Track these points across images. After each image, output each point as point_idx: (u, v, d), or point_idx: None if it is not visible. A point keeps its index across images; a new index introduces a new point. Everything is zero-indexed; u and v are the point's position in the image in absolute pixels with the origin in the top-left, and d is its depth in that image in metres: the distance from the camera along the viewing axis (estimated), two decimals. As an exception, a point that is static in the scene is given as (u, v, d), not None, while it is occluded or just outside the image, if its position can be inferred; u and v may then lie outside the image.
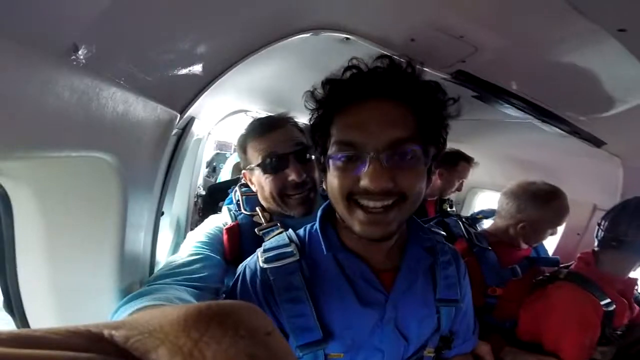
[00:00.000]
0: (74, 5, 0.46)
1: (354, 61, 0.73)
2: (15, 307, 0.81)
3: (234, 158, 3.53)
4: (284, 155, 1.08)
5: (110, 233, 0.77)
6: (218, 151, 4.84)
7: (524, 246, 1.59)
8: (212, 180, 3.65)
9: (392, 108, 0.70)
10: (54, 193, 0.69)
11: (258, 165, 1.11)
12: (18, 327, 0.83)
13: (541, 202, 1.50)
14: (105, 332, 0.17)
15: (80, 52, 0.47)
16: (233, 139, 5.19)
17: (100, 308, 0.84)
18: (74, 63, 0.48)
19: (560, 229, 2.07)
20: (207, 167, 4.17)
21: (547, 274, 1.53)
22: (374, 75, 0.72)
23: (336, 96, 0.74)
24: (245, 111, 2.39)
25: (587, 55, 0.98)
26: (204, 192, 2.44)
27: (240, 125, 1.23)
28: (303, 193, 1.11)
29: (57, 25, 0.44)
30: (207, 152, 4.09)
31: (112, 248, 0.79)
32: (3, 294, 0.81)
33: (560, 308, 1.37)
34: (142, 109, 0.70)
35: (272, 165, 1.08)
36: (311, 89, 0.78)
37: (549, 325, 1.38)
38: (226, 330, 0.17)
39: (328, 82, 0.76)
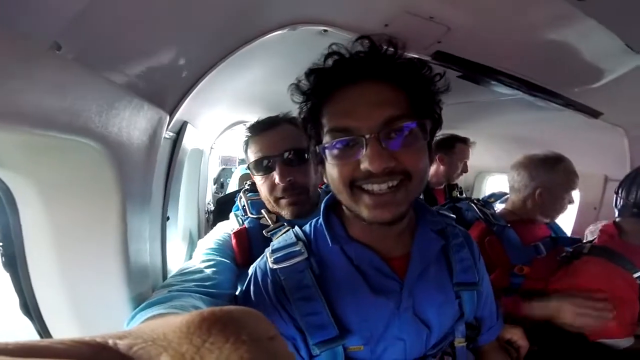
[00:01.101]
0: (56, 3, 0.52)
1: (334, 47, 0.73)
2: (31, 309, 0.84)
3: (239, 170, 3.59)
4: (272, 158, 1.10)
5: (112, 227, 0.80)
6: (224, 166, 4.92)
7: (541, 220, 1.58)
8: (221, 195, 3.70)
9: (380, 88, 0.70)
10: (54, 185, 0.74)
11: (249, 167, 1.15)
12: (37, 330, 0.86)
13: (550, 166, 1.52)
14: (110, 342, 0.17)
15: (63, 48, 0.52)
16: (237, 152, 5.25)
17: (114, 311, 0.86)
18: (57, 56, 0.53)
19: (576, 205, 2.06)
20: (214, 184, 4.24)
21: (571, 250, 1.48)
22: (358, 59, 0.71)
23: (322, 85, 0.74)
24: (244, 122, 2.44)
25: (563, 28, 1.00)
26: (213, 208, 2.48)
27: (242, 138, 1.26)
28: (291, 197, 1.11)
29: (41, 22, 0.49)
30: (214, 169, 4.17)
31: (116, 242, 0.82)
32: (18, 294, 0.83)
33: (589, 283, 1.31)
34: (129, 105, 0.74)
35: (261, 167, 1.12)
36: (295, 82, 0.78)
37: None
38: (228, 336, 0.17)
39: (312, 72, 0.75)
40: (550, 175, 1.51)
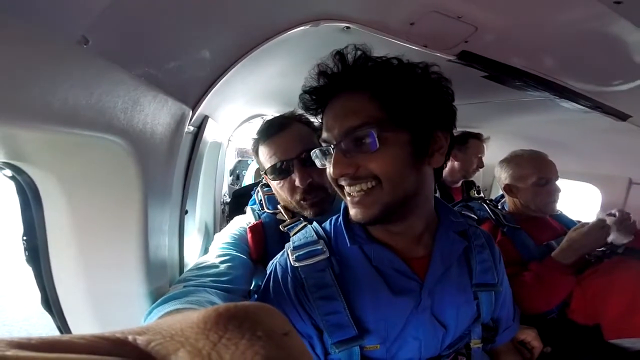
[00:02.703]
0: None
1: (320, 67, 0.79)
2: (52, 304, 0.85)
3: (255, 163, 3.60)
4: (289, 161, 1.09)
5: (134, 222, 0.81)
6: (240, 158, 4.95)
7: (539, 214, 1.60)
8: (237, 187, 3.73)
9: (349, 100, 0.76)
10: (78, 181, 0.75)
11: (266, 173, 1.15)
12: (57, 326, 0.87)
13: (509, 161, 1.66)
14: (130, 337, 0.17)
15: (90, 43, 0.53)
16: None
17: (132, 306, 0.87)
18: (84, 51, 0.53)
19: (598, 207, 2.03)
20: (230, 175, 4.27)
21: (603, 249, 1.46)
22: (331, 74, 0.78)
23: (316, 102, 0.82)
24: (262, 116, 2.44)
25: (596, 28, 0.96)
26: (229, 200, 2.50)
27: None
28: (313, 198, 1.12)
29: (69, 16, 0.50)
30: (230, 161, 4.19)
31: (137, 237, 0.82)
32: (40, 289, 0.84)
33: (624, 284, 1.31)
34: (153, 100, 0.75)
35: (279, 172, 1.11)
36: (299, 100, 0.85)
37: (612, 303, 1.31)
38: (244, 332, 0.18)
39: (306, 93, 0.82)
40: (512, 169, 1.61)
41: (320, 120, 0.84)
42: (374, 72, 0.75)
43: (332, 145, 0.76)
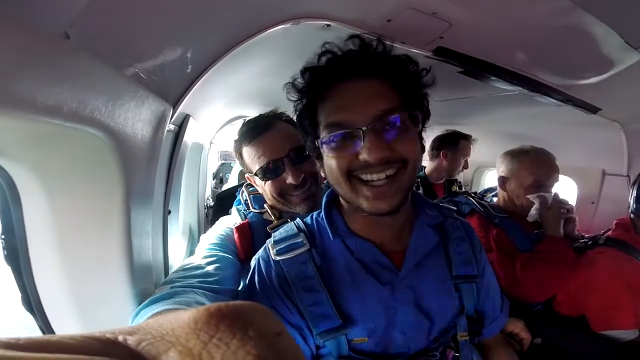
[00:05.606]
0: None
1: (327, 46, 0.77)
2: (34, 304, 0.83)
3: (238, 165, 3.58)
4: (279, 160, 1.09)
5: (116, 219, 0.80)
6: (223, 161, 4.91)
7: (522, 213, 1.62)
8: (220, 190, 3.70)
9: (371, 84, 0.74)
10: (58, 177, 0.73)
11: (255, 174, 1.13)
12: (40, 326, 0.85)
13: (513, 155, 1.65)
14: (120, 338, 0.17)
15: (72, 38, 0.53)
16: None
17: (117, 306, 0.86)
18: (67, 45, 0.53)
19: (574, 200, 2.09)
20: (214, 179, 4.23)
21: (585, 240, 1.52)
22: (349, 57, 0.76)
23: (317, 82, 0.78)
24: (244, 117, 2.43)
25: (565, 23, 1.00)
26: (212, 203, 2.48)
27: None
28: (304, 192, 1.12)
29: (51, 11, 0.50)
30: (213, 164, 4.15)
31: (120, 235, 0.81)
32: (20, 289, 0.83)
33: (606, 273, 1.35)
34: (134, 95, 0.74)
35: (269, 172, 1.10)
36: (291, 80, 0.82)
37: (595, 293, 1.35)
38: (235, 331, 0.18)
39: (307, 70, 0.79)
40: (513, 164, 1.63)
41: (306, 107, 0.81)
42: (394, 62, 0.77)
43: (362, 129, 0.70)
